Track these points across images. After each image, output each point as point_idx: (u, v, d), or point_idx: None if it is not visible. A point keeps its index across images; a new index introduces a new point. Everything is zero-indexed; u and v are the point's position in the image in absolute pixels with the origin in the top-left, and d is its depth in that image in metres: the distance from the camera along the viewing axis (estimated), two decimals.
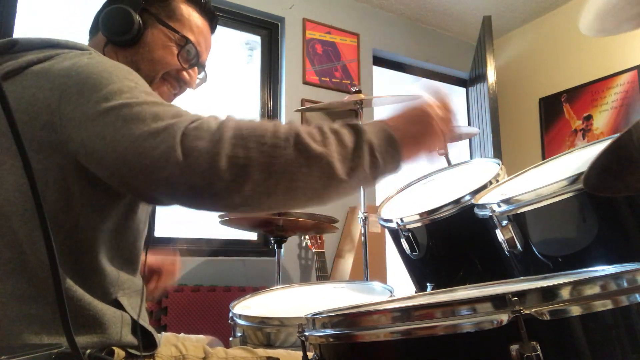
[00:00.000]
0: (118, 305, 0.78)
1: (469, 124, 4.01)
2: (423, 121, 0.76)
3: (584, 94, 3.54)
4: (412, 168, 0.77)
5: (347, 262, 2.86)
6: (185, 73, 0.96)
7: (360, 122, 0.74)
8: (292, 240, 2.94)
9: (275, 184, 0.66)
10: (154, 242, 0.93)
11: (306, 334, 0.68)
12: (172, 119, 0.66)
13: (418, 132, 0.75)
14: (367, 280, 2.22)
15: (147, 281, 1.05)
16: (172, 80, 0.96)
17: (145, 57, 0.91)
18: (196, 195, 0.66)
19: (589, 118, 3.50)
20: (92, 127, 0.67)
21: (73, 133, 0.68)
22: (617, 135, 0.71)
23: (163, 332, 1.01)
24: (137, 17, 0.89)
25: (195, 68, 0.98)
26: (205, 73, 1.03)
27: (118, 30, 0.89)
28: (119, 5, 0.89)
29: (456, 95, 4.25)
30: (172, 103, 0.75)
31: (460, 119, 4.12)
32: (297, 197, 0.69)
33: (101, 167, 0.69)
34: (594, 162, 0.72)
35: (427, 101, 0.77)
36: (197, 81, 1.01)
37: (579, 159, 1.16)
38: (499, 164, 1.40)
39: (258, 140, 0.65)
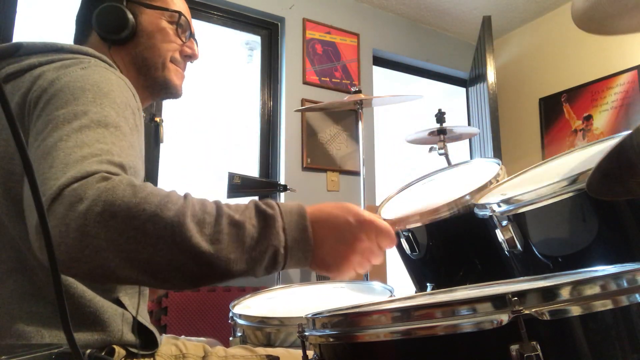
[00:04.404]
0: (119, 303, 0.79)
1: (469, 124, 4.01)
2: (350, 239, 0.68)
3: (584, 94, 3.54)
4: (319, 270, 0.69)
5: None
6: (186, 47, 0.99)
7: (278, 210, 0.65)
8: None
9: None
10: None
11: (306, 333, 0.68)
12: (74, 171, 0.57)
13: (339, 247, 0.68)
14: (367, 280, 2.21)
15: None
16: (179, 61, 0.99)
17: (147, 45, 0.93)
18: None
19: (589, 118, 3.50)
20: (41, 138, 0.64)
21: (32, 139, 0.66)
22: (616, 136, 0.71)
23: (163, 335, 1.01)
24: (127, 10, 0.90)
25: (192, 39, 1.01)
26: (196, 42, 1.04)
27: (116, 29, 0.90)
28: (107, 4, 0.89)
29: (456, 95, 4.25)
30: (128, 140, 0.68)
31: (460, 120, 4.13)
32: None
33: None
34: (596, 167, 0.73)
35: (366, 221, 0.70)
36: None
37: (579, 159, 1.16)
38: (499, 164, 1.40)
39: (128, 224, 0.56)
